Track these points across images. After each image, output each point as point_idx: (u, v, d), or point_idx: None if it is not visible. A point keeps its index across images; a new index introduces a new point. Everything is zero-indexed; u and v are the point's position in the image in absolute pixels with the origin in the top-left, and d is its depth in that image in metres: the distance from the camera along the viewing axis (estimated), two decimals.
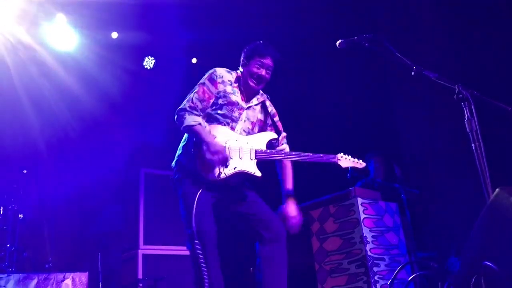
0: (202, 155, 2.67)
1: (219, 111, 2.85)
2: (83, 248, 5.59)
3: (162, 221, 5.17)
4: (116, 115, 6.25)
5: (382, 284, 3.78)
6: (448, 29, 5.30)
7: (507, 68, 4.53)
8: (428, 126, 5.54)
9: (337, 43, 3.00)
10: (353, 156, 3.10)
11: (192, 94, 2.86)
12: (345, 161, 3.05)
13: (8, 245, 4.47)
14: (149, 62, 6.31)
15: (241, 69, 3.00)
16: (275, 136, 2.97)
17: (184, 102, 2.88)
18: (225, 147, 2.74)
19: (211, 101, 2.85)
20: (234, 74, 2.99)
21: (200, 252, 2.57)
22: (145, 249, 4.94)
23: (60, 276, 4.00)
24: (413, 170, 5.68)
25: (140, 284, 4.72)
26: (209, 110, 2.87)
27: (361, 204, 4.01)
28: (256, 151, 2.82)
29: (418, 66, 2.69)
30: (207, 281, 2.58)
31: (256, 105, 3.00)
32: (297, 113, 6.09)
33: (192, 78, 6.69)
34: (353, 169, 4.86)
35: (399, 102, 5.78)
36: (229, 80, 2.93)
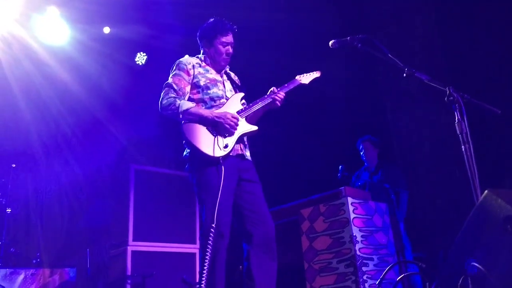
0: (208, 130, 2.77)
1: (208, 91, 2.97)
2: (72, 243, 5.55)
3: (151, 218, 5.15)
4: (107, 111, 6.22)
5: (371, 284, 3.80)
6: (438, 29, 5.33)
7: (498, 69, 4.57)
8: (418, 128, 5.58)
9: (330, 43, 3.02)
10: (306, 72, 3.26)
11: (167, 86, 2.95)
12: (304, 78, 3.22)
13: None
14: (141, 58, 6.27)
15: (205, 50, 3.13)
16: (242, 94, 3.09)
17: (164, 94, 2.94)
18: (225, 111, 2.86)
19: (187, 88, 2.97)
20: (198, 57, 3.14)
21: (211, 245, 2.59)
22: (134, 246, 4.91)
23: (48, 271, 3.97)
24: (402, 171, 5.72)
25: (129, 281, 4.70)
26: (197, 95, 2.97)
27: (351, 204, 4.02)
28: (238, 112, 2.92)
29: (410, 67, 2.70)
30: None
31: (226, 75, 3.18)
32: (287, 112, 6.10)
33: None
34: (344, 168, 4.90)
35: (389, 102, 5.81)
36: (197, 63, 3.08)
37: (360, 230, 3.98)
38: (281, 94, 3.03)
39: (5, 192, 4.77)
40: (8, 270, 3.79)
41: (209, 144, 2.74)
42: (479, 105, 2.60)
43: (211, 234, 2.60)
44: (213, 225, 2.60)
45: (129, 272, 4.78)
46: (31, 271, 3.89)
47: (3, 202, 4.72)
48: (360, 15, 5.98)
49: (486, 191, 2.12)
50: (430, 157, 5.46)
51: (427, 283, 2.24)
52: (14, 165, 5.04)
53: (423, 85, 2.68)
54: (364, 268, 3.83)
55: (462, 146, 2.37)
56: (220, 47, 3.06)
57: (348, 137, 5.56)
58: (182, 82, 2.96)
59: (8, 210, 4.69)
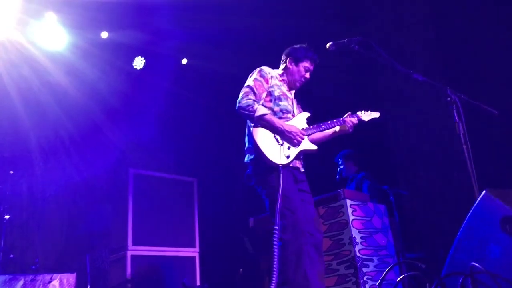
0: (275, 139, 2.99)
1: (280, 103, 3.17)
2: (71, 249, 5.53)
3: (151, 222, 5.14)
4: (105, 116, 6.22)
5: (371, 285, 3.81)
6: (437, 31, 5.36)
7: (496, 70, 4.59)
8: (417, 128, 5.60)
9: (327, 45, 3.04)
10: (365, 110, 3.45)
11: (249, 88, 3.11)
12: (365, 115, 3.41)
13: None
14: (139, 62, 6.28)
15: (287, 67, 3.32)
16: (309, 114, 3.31)
17: (244, 95, 3.08)
18: (295, 126, 3.08)
19: (263, 95, 3.15)
20: (276, 71, 3.34)
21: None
22: (133, 250, 4.91)
23: (48, 277, 3.95)
24: (401, 172, 5.73)
25: (129, 285, 4.69)
26: (269, 103, 3.16)
27: (350, 206, 4.03)
28: (304, 129, 3.14)
29: (408, 69, 2.72)
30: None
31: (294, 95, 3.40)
32: None
33: (182, 78, 6.73)
34: (342, 171, 4.90)
35: (388, 103, 5.82)
36: (276, 76, 3.29)
37: (359, 232, 3.99)
38: (355, 120, 3.28)
39: (4, 198, 4.76)
40: (7, 277, 3.77)
41: (274, 151, 2.97)
42: (477, 106, 2.61)
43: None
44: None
45: (129, 277, 4.77)
46: (31, 277, 3.87)
47: (1, 209, 4.70)
48: (358, 17, 6.01)
49: (484, 191, 2.13)
50: (428, 158, 5.47)
51: (427, 284, 2.24)
52: (12, 172, 5.03)
53: (421, 86, 2.70)
54: (364, 269, 3.83)
55: (460, 147, 2.38)
56: (303, 70, 3.28)
57: (347, 139, 5.56)
58: (261, 88, 3.14)
59: (7, 217, 4.68)
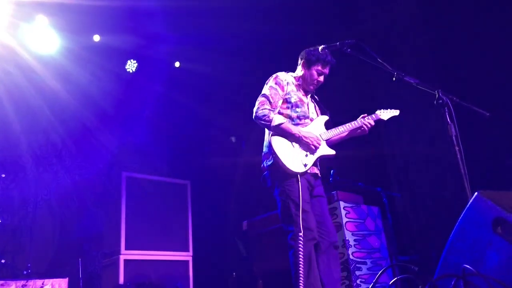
0: (293, 146, 3.03)
1: (297, 109, 3.18)
2: (63, 253, 5.49)
3: (144, 226, 5.11)
4: (98, 119, 6.19)
5: None
6: (428, 34, 5.38)
7: (487, 72, 4.62)
8: (410, 130, 5.62)
9: (320, 48, 3.05)
10: (385, 109, 3.46)
11: (264, 97, 3.14)
12: (384, 114, 3.43)
13: None
14: (131, 66, 6.26)
15: (301, 70, 3.31)
16: (327, 118, 3.32)
17: (260, 104, 3.12)
18: (312, 132, 3.11)
19: (279, 102, 3.17)
20: (292, 75, 3.34)
21: (302, 250, 2.82)
22: (126, 254, 4.87)
23: (39, 282, 3.91)
24: (394, 174, 5.75)
25: None
26: (286, 110, 3.17)
27: (343, 208, 4.03)
28: (321, 134, 3.17)
29: (400, 71, 2.73)
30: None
31: (312, 98, 3.40)
32: None
33: (175, 82, 6.72)
34: (335, 172, 4.92)
35: (380, 106, 5.83)
36: (292, 81, 3.28)
37: (353, 234, 3.99)
38: (372, 121, 3.28)
39: None
40: None
41: (292, 159, 3.00)
42: (469, 108, 2.63)
43: (301, 240, 2.85)
44: (301, 233, 2.86)
45: (121, 281, 4.74)
46: (22, 282, 3.83)
47: None
48: (350, 20, 6.02)
49: (476, 193, 2.13)
50: (421, 160, 5.49)
51: (420, 286, 2.24)
52: (3, 175, 4.99)
53: (413, 88, 2.71)
54: (357, 272, 3.83)
55: (453, 149, 2.39)
56: (315, 73, 3.24)
57: (339, 143, 5.57)
58: (277, 96, 3.15)
59: None
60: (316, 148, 3.07)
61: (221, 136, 6.73)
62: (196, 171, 6.57)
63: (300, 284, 2.78)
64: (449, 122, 2.49)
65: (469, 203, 2.14)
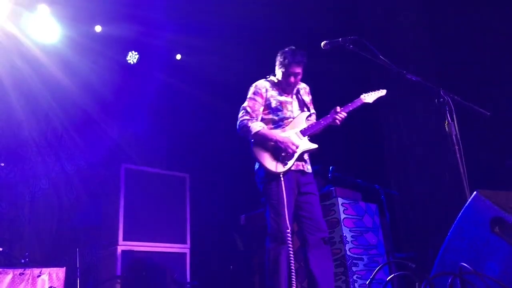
0: (273, 149, 3.13)
1: (278, 113, 3.28)
2: (61, 243, 5.50)
3: (142, 218, 5.12)
4: (99, 109, 6.18)
5: (361, 284, 3.82)
6: (430, 32, 5.37)
7: (489, 72, 4.62)
8: (409, 130, 5.62)
9: (322, 44, 3.03)
10: (372, 91, 3.43)
11: (243, 109, 3.29)
12: (369, 96, 3.40)
13: None
14: (132, 57, 6.24)
15: (279, 72, 3.34)
16: (308, 113, 3.36)
17: (240, 115, 3.28)
18: (288, 136, 3.19)
19: (260, 109, 3.31)
20: (270, 80, 3.41)
21: (292, 252, 2.95)
22: (124, 245, 4.88)
23: (37, 271, 3.92)
24: (393, 172, 5.75)
25: (118, 281, 4.68)
26: (268, 115, 3.30)
27: (341, 204, 4.04)
28: (301, 131, 3.23)
29: (401, 69, 2.72)
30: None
31: (296, 95, 3.44)
32: None
33: (176, 74, 6.69)
34: (334, 169, 4.91)
35: (381, 105, 5.83)
36: (270, 86, 3.37)
37: (350, 231, 4.00)
38: (343, 114, 3.26)
39: None
40: None
41: (272, 161, 3.13)
42: (469, 107, 2.63)
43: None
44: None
45: (119, 272, 4.75)
46: (20, 270, 3.84)
47: None
48: (352, 16, 6.01)
49: (474, 192, 2.14)
50: (420, 159, 5.49)
51: (417, 283, 2.25)
52: (2, 164, 4.98)
53: (414, 87, 2.71)
54: (354, 268, 3.85)
55: (452, 148, 2.39)
56: (289, 74, 3.28)
57: (339, 139, 5.58)
58: (256, 105, 3.30)
59: None
60: (293, 152, 3.13)
61: (221, 129, 6.72)
62: (195, 164, 6.57)
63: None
64: (450, 121, 2.49)
65: (467, 202, 2.15)
